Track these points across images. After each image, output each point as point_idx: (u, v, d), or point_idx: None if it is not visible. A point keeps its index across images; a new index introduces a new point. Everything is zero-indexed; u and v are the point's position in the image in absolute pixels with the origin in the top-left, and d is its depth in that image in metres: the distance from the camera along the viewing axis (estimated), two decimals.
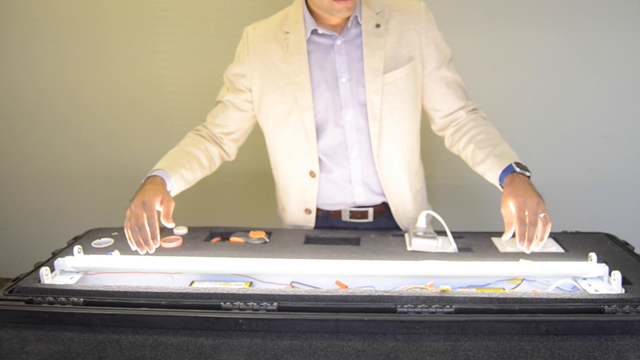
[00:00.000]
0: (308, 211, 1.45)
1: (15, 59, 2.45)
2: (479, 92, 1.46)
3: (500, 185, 1.22)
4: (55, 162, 2.60)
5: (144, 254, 1.15)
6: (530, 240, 1.09)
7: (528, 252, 1.10)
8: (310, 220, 1.46)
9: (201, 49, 2.34)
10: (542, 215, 1.09)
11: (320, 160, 1.38)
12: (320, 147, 1.37)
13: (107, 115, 2.50)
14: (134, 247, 1.15)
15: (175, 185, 1.28)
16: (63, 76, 2.46)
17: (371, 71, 1.30)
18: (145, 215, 1.14)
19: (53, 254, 1.27)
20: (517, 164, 1.21)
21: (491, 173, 1.25)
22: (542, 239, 1.10)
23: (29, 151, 2.60)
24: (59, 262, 1.16)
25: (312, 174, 1.39)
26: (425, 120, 1.47)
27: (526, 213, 1.10)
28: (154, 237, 1.14)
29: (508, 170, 1.20)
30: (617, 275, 1.03)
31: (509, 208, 1.13)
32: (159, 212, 1.17)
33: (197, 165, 1.36)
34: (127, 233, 1.15)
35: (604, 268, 1.08)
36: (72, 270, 1.17)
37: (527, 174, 1.19)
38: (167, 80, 2.43)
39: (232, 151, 1.48)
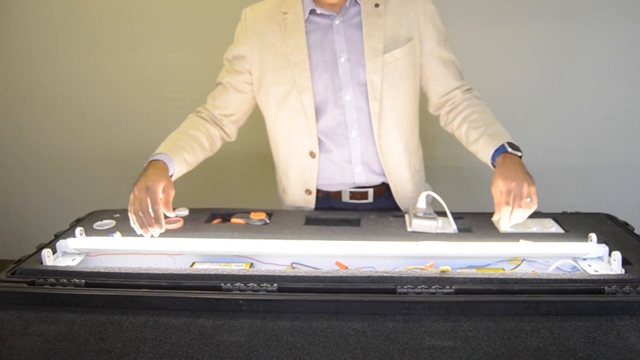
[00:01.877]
0: (308, 192, 1.44)
1: (18, 43, 2.43)
2: (479, 73, 1.46)
3: (493, 164, 1.23)
4: (59, 146, 2.59)
5: (149, 237, 1.15)
6: (512, 223, 1.13)
7: (501, 229, 1.16)
8: (310, 201, 1.46)
9: (202, 32, 2.32)
10: (528, 200, 1.11)
11: (320, 140, 1.37)
12: (320, 127, 1.36)
13: (110, 99, 2.49)
14: (139, 231, 1.14)
15: (177, 169, 1.27)
16: (66, 60, 2.44)
17: (371, 51, 1.29)
18: (149, 200, 1.13)
19: (55, 236, 1.27)
20: (510, 144, 1.21)
21: (484, 152, 1.26)
22: (520, 221, 1.13)
23: (33, 134, 2.59)
24: (60, 243, 1.17)
25: (312, 155, 1.38)
26: (423, 101, 1.46)
27: (512, 196, 1.11)
28: (158, 222, 1.13)
29: (500, 150, 1.21)
30: (617, 255, 1.02)
31: (499, 188, 1.14)
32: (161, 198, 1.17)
33: (199, 148, 1.35)
34: (131, 217, 1.14)
35: (604, 248, 1.08)
36: (73, 252, 1.17)
37: (519, 154, 1.20)
38: (168, 63, 2.41)
39: (233, 132, 1.47)
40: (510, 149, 1.20)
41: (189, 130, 1.36)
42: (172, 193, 1.18)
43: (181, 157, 1.29)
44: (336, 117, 1.35)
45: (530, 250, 1.12)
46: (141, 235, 1.15)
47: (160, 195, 1.16)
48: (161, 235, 1.16)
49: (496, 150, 1.22)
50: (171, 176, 1.23)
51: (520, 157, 1.20)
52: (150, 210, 1.13)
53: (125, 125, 2.51)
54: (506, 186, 1.12)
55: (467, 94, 1.38)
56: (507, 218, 1.12)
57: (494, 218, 1.16)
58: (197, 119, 1.41)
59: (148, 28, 2.37)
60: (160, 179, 1.16)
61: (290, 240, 1.16)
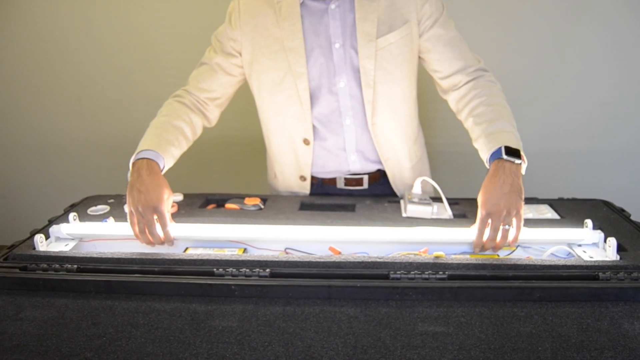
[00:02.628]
0: (303, 178, 1.43)
1: (13, 27, 2.40)
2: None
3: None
4: (54, 131, 2.57)
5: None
6: (484, 250, 1.07)
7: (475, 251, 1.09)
8: (305, 187, 1.45)
9: (198, 16, 2.28)
10: (506, 227, 1.04)
11: (314, 127, 1.36)
12: (315, 114, 1.34)
13: (106, 85, 2.46)
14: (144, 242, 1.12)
15: (166, 166, 1.22)
16: (61, 45, 2.41)
17: (364, 36, 1.26)
18: (157, 224, 1.10)
19: (49, 221, 1.27)
20: (508, 148, 1.10)
21: (482, 154, 1.19)
22: (498, 249, 1.07)
23: (28, 120, 2.57)
24: (54, 229, 1.16)
25: (306, 142, 1.37)
26: (423, 85, 1.44)
27: (489, 222, 1.05)
28: (169, 241, 1.11)
29: (496, 155, 1.11)
30: (612, 241, 1.02)
31: (479, 210, 1.08)
32: None
33: (184, 141, 1.30)
34: (136, 235, 1.11)
35: (599, 235, 1.08)
36: (67, 238, 1.17)
37: (517, 161, 1.09)
38: (164, 47, 2.38)
39: (215, 117, 1.41)
40: (506, 156, 1.09)
41: (173, 121, 1.29)
42: (171, 200, 1.16)
43: (170, 153, 1.23)
44: (330, 104, 1.33)
45: (525, 236, 1.10)
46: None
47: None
48: None
49: (492, 154, 1.13)
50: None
51: (520, 163, 1.10)
52: (161, 230, 1.10)
53: (121, 111, 2.49)
54: (485, 207, 1.05)
55: (476, 80, 1.29)
56: (479, 244, 1.07)
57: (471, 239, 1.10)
58: (179, 107, 1.33)
59: (144, 14, 2.33)
60: (161, 190, 1.12)
61: (284, 226, 1.16)
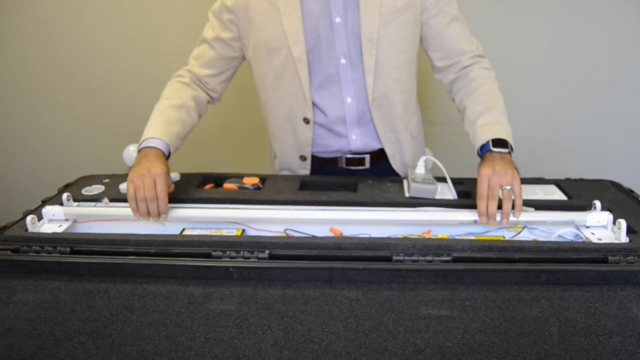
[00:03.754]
0: (303, 158, 1.40)
1: (5, 5, 2.35)
2: (483, 38, 1.38)
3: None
4: (49, 110, 2.53)
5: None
6: (490, 215, 1.04)
7: (492, 225, 1.06)
8: (305, 167, 1.42)
9: None
10: (507, 187, 1.04)
11: (314, 105, 1.32)
12: (314, 92, 1.30)
13: (101, 61, 2.41)
14: (141, 217, 1.09)
15: (173, 150, 1.21)
16: (58, 23, 2.36)
17: (367, 10, 1.22)
18: (157, 189, 1.07)
19: (43, 201, 1.24)
20: (496, 141, 1.12)
21: (473, 142, 1.20)
22: (506, 214, 1.04)
23: (22, 98, 2.53)
24: (46, 210, 1.13)
25: (306, 121, 1.33)
26: (425, 65, 1.40)
27: (491, 186, 1.05)
28: (163, 212, 1.09)
29: (486, 147, 1.13)
30: (622, 223, 0.99)
31: (479, 180, 1.08)
32: None
33: (190, 122, 1.28)
34: (134, 204, 1.08)
35: (608, 216, 1.05)
36: (61, 219, 1.14)
37: (504, 151, 1.11)
38: (162, 22, 2.32)
39: (218, 95, 1.40)
40: (494, 148, 1.11)
41: (176, 102, 1.27)
42: (172, 188, 1.15)
43: (176, 137, 1.21)
44: (331, 84, 1.29)
45: (531, 217, 1.08)
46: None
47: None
48: None
49: (482, 147, 1.15)
50: (168, 157, 1.18)
51: (508, 152, 1.11)
52: (159, 198, 1.08)
53: (117, 88, 2.45)
54: (480, 178, 1.06)
55: (472, 66, 1.29)
56: (482, 209, 1.05)
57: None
58: (182, 88, 1.31)
59: None
60: (164, 167, 1.11)
61: (283, 207, 1.13)
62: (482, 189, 1.05)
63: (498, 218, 1.05)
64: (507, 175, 1.05)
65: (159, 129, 1.19)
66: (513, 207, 1.05)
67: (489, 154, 1.11)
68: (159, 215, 1.09)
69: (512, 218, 1.04)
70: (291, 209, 1.12)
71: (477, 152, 1.17)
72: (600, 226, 1.06)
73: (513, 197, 1.04)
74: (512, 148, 1.13)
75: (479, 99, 1.24)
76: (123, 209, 1.13)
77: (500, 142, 1.12)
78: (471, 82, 1.27)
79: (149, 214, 1.08)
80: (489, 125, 1.17)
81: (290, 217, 1.11)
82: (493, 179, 1.05)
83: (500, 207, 1.05)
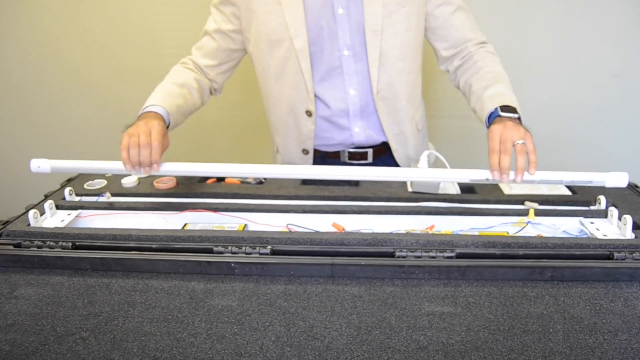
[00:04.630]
0: (305, 151, 1.40)
1: (11, 5, 2.34)
2: (486, 31, 1.37)
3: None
4: (52, 104, 2.53)
5: (144, 176, 1.07)
6: (503, 170, 0.99)
7: (505, 182, 1.01)
8: (308, 161, 1.41)
9: None
10: (520, 142, 0.99)
11: (316, 98, 1.31)
12: (317, 84, 1.30)
13: (104, 56, 2.41)
14: (132, 169, 1.05)
15: (173, 121, 1.19)
16: (61, 17, 2.35)
17: (370, 1, 1.21)
18: (151, 134, 1.04)
19: (45, 196, 1.24)
20: (504, 107, 1.10)
21: (480, 114, 1.17)
22: (521, 170, 0.99)
23: (24, 93, 2.53)
24: (48, 204, 1.13)
25: (309, 113, 1.32)
26: (429, 58, 1.39)
27: (503, 140, 1.01)
28: (155, 161, 1.05)
29: (494, 114, 1.11)
30: (628, 219, 0.98)
31: (490, 140, 1.04)
32: None
33: (191, 99, 1.28)
34: (126, 153, 1.04)
35: (613, 212, 1.04)
36: (62, 212, 1.14)
37: (514, 115, 1.08)
38: (163, 17, 2.32)
39: (219, 87, 1.40)
40: (503, 113, 1.09)
41: (179, 80, 1.28)
42: (167, 144, 1.11)
43: (176, 108, 1.20)
44: (334, 76, 1.29)
45: (546, 177, 1.02)
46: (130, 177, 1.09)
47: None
48: (153, 194, 1.11)
49: (490, 114, 1.12)
50: (167, 127, 1.16)
51: (518, 118, 1.09)
52: (152, 145, 1.04)
53: (119, 84, 2.44)
54: (491, 133, 1.03)
55: (479, 50, 1.29)
56: (495, 164, 1.00)
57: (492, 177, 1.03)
58: (186, 70, 1.33)
59: None
60: (163, 125, 1.09)
61: (285, 200, 1.12)
62: (493, 143, 1.02)
63: (511, 176, 0.99)
64: (519, 131, 1.01)
65: (159, 99, 1.18)
66: None
67: (499, 118, 1.08)
68: (150, 164, 1.05)
69: (526, 176, 0.99)
70: (293, 202, 1.11)
71: (485, 123, 1.14)
72: (619, 186, 1.02)
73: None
74: (520, 116, 1.10)
75: (485, 76, 1.22)
76: (125, 204, 1.13)
77: (508, 109, 1.10)
78: (476, 63, 1.27)
79: (140, 164, 1.05)
80: (496, 96, 1.15)
81: (293, 209, 1.10)
82: (505, 133, 1.01)
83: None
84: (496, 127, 1.04)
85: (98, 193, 1.23)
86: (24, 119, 2.58)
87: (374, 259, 0.90)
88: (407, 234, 1.00)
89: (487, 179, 1.02)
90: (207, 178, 1.33)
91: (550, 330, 0.77)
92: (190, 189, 1.23)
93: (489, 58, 1.27)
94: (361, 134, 1.36)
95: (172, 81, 1.27)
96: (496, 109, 1.11)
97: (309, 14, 1.23)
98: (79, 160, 1.14)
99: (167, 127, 1.15)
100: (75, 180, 1.33)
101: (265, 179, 1.30)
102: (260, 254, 0.92)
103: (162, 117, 1.14)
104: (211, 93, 1.39)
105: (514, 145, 1.00)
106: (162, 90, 1.23)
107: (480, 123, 1.19)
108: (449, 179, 1.03)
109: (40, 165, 1.09)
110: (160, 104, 1.16)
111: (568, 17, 2.11)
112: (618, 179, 1.02)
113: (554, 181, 1.02)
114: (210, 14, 1.33)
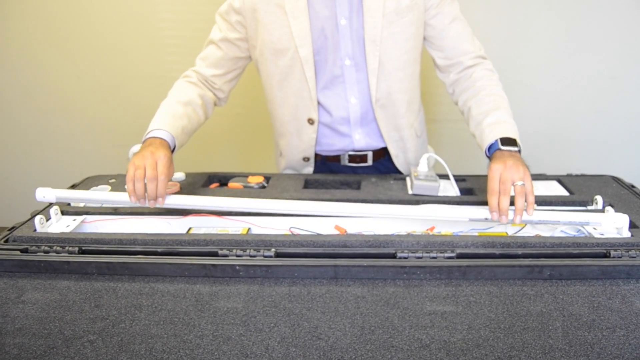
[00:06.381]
0: (306, 159, 1.41)
1: (10, 5, 2.36)
2: (483, 35, 1.38)
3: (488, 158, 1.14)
4: (55, 111, 2.55)
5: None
6: (502, 211, 1.01)
7: (504, 222, 1.02)
8: (309, 166, 1.43)
9: None
10: (519, 183, 1.01)
11: (319, 105, 1.33)
12: (320, 92, 1.31)
13: (106, 62, 2.43)
14: (137, 201, 1.06)
15: (178, 143, 1.20)
16: (61, 23, 2.37)
17: (370, 12, 1.22)
18: (158, 169, 1.05)
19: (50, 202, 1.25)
20: (505, 140, 1.11)
21: (481, 144, 1.17)
22: (520, 211, 1.00)
23: (28, 100, 2.54)
24: (54, 210, 1.14)
25: (311, 121, 1.34)
26: (428, 63, 1.41)
27: (502, 181, 1.02)
28: (161, 195, 1.07)
29: (494, 147, 1.11)
30: (624, 218, 1.00)
31: (489, 178, 1.05)
32: None
33: (195, 118, 1.28)
34: (132, 185, 1.05)
35: (610, 211, 1.05)
36: (68, 217, 1.15)
37: (514, 149, 1.09)
38: (165, 24, 2.34)
39: (225, 96, 1.40)
40: (503, 147, 1.09)
41: (183, 98, 1.27)
42: (172, 172, 1.13)
43: (181, 130, 1.20)
44: (335, 84, 1.30)
45: (544, 217, 1.04)
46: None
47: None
48: None
49: (490, 146, 1.13)
50: (172, 151, 1.17)
51: (518, 151, 1.10)
52: (158, 179, 1.05)
53: (123, 89, 2.46)
54: (491, 173, 1.04)
55: (475, 67, 1.28)
56: (494, 205, 1.01)
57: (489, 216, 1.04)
58: (188, 86, 1.32)
59: None
60: (168, 154, 1.10)
61: (288, 201, 1.13)
62: (493, 184, 1.03)
63: (510, 216, 1.01)
64: (518, 171, 1.03)
65: (164, 122, 1.18)
66: None
67: (499, 152, 1.09)
68: (156, 198, 1.06)
69: (524, 216, 1.01)
70: (296, 204, 1.12)
71: (485, 152, 1.15)
72: (614, 229, 1.02)
73: None
74: (520, 148, 1.11)
75: (484, 100, 1.22)
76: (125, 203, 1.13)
77: (508, 141, 1.11)
78: (475, 83, 1.26)
79: (145, 197, 1.06)
80: (496, 125, 1.16)
81: (296, 210, 1.11)
82: (505, 174, 1.02)
83: (511, 205, 1.02)
84: (496, 167, 1.04)
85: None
86: (30, 123, 2.59)
87: (376, 260, 0.92)
88: (408, 235, 1.01)
89: (486, 219, 1.04)
90: (210, 183, 1.34)
91: (550, 327, 0.79)
92: (195, 194, 1.24)
93: (487, 78, 1.26)
94: (362, 140, 1.38)
95: (176, 100, 1.26)
96: (496, 141, 1.11)
97: (314, 24, 1.24)
98: (84, 191, 1.18)
99: (173, 150, 1.16)
100: (80, 186, 1.34)
101: (268, 183, 1.31)
102: (265, 256, 0.93)
103: (168, 143, 1.14)
104: (215, 104, 1.39)
105: (513, 185, 1.02)
106: (167, 111, 1.23)
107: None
108: (449, 219, 1.05)
109: (45, 195, 1.10)
110: (165, 128, 1.16)
111: (566, 20, 2.13)
112: (615, 221, 1.01)
113: (552, 222, 1.04)
114: (215, 23, 1.34)
